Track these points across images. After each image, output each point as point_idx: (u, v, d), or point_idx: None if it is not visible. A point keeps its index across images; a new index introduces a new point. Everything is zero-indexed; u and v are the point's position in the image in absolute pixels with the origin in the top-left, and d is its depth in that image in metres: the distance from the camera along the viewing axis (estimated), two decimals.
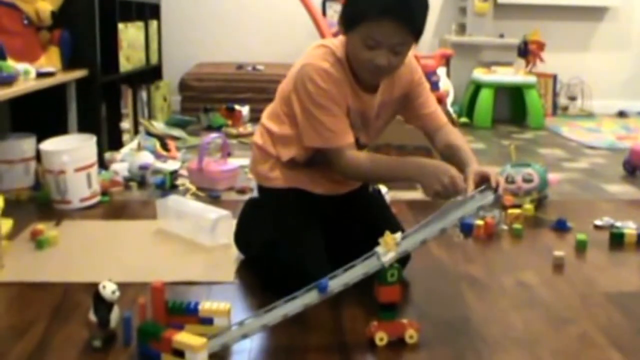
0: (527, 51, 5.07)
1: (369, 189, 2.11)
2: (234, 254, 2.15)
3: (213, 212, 2.30)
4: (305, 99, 1.78)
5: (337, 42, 1.83)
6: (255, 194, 2.11)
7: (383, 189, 2.67)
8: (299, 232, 1.89)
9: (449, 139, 1.90)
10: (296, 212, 1.93)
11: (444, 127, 1.95)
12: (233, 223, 2.20)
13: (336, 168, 1.85)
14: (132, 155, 3.11)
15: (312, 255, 1.84)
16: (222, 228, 2.24)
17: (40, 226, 2.30)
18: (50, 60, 2.99)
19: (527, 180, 2.73)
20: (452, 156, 1.84)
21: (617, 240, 2.37)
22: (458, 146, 1.85)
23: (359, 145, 1.89)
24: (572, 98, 5.51)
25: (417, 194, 2.94)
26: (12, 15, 2.89)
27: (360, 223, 1.98)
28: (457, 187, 1.64)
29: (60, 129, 2.95)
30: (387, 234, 1.56)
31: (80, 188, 2.62)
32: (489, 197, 1.65)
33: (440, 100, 3.79)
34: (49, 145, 2.65)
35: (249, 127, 4.28)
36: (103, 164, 3.04)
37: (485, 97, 4.82)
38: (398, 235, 1.57)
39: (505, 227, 2.47)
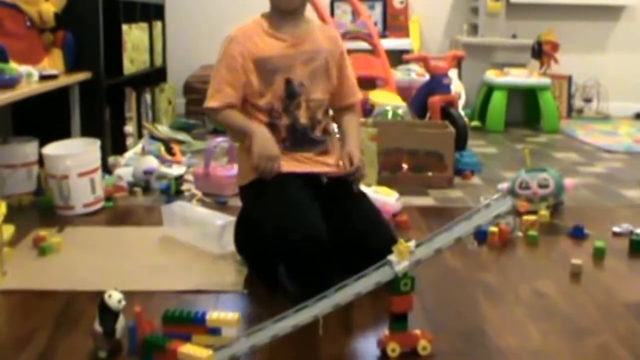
0: (541, 52, 5.02)
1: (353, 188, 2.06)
2: (243, 262, 2.11)
3: (220, 219, 2.27)
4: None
5: None
6: None
7: (395, 195, 2.62)
8: (302, 202, 1.87)
9: (347, 125, 2.12)
10: (296, 188, 1.91)
11: (351, 111, 2.15)
12: None
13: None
14: (136, 160, 3.09)
15: (317, 222, 1.82)
16: (230, 235, 2.20)
17: (42, 232, 2.29)
18: (53, 63, 2.97)
19: (542, 185, 2.69)
20: (342, 137, 2.11)
21: (636, 247, 2.32)
22: (348, 132, 2.10)
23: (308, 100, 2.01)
24: (588, 100, 5.43)
25: (429, 201, 2.89)
26: (14, 17, 2.86)
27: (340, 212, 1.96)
28: (269, 174, 1.90)
29: (63, 133, 2.94)
30: (401, 242, 1.54)
31: (84, 193, 2.60)
32: (506, 205, 1.61)
33: (452, 103, 3.73)
34: (52, 149, 2.64)
35: None
36: (107, 169, 3.02)
37: (498, 100, 4.76)
38: (412, 243, 1.55)
39: (520, 234, 2.42)
